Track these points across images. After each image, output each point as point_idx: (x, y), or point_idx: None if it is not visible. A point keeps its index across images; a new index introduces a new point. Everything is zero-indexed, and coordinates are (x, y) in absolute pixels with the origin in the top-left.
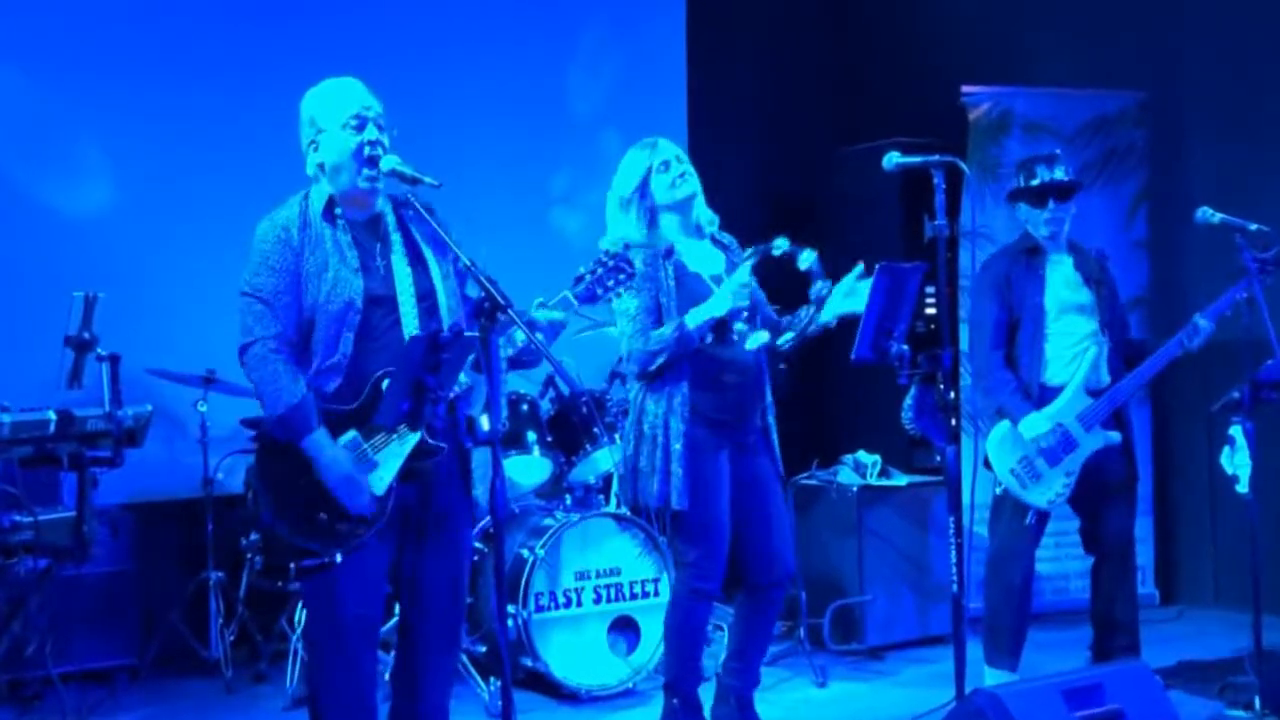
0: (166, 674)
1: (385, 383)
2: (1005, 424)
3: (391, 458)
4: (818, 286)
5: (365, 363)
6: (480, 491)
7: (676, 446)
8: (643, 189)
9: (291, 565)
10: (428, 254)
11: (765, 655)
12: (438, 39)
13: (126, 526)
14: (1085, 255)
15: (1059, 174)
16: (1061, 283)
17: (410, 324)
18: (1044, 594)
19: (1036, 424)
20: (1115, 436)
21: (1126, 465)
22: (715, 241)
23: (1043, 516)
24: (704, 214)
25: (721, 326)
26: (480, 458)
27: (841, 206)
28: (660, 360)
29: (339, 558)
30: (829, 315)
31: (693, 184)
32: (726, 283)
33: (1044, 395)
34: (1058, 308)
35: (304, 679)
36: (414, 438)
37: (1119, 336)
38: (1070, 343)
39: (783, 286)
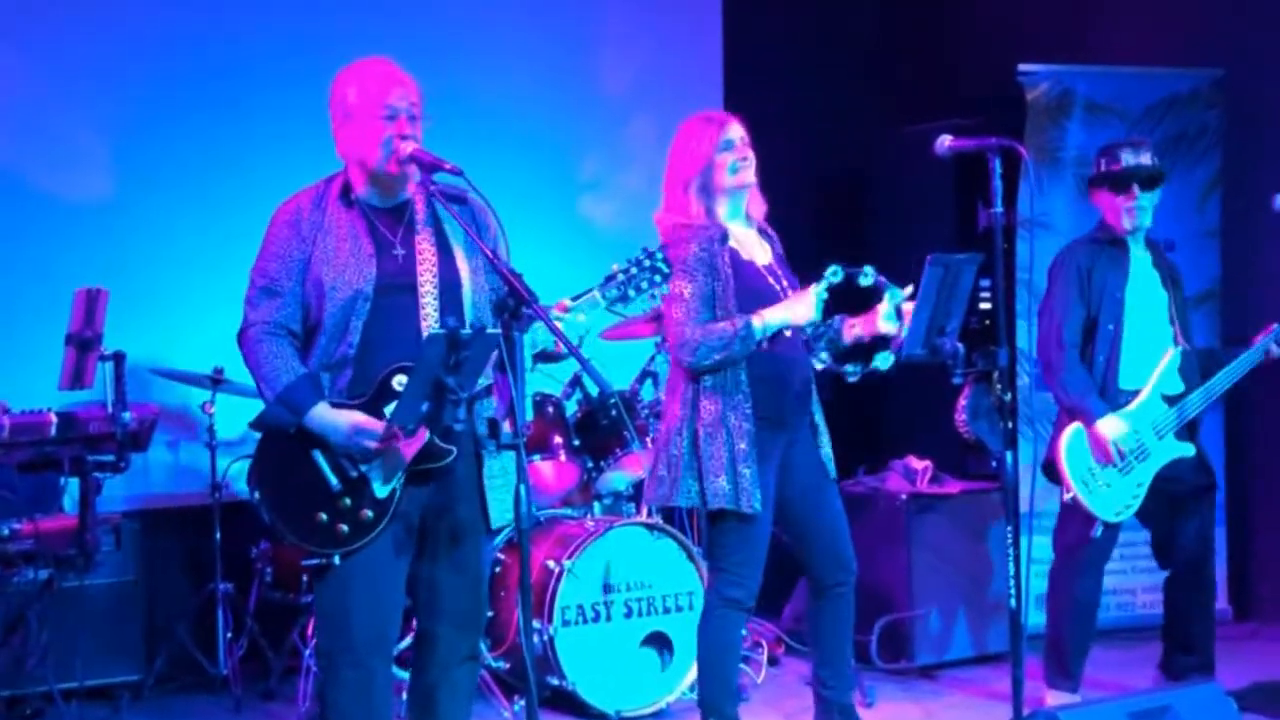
0: (172, 690)
1: (397, 378)
2: (1078, 428)
3: (397, 459)
4: (892, 294)
5: (376, 355)
6: (504, 498)
7: (742, 446)
8: (707, 168)
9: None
10: (458, 244)
11: (851, 657)
12: (460, 16)
13: (131, 535)
14: (1161, 253)
15: (1145, 160)
16: (1143, 280)
17: (430, 314)
18: (1109, 608)
19: (1116, 425)
20: (1189, 448)
21: (1201, 473)
22: (761, 231)
23: (1111, 529)
24: (756, 201)
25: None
26: (504, 463)
27: (890, 193)
28: (717, 358)
29: (337, 559)
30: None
31: (752, 170)
32: (814, 293)
33: (1117, 400)
34: (1139, 306)
35: (316, 696)
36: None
37: (1190, 342)
38: (1147, 345)
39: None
